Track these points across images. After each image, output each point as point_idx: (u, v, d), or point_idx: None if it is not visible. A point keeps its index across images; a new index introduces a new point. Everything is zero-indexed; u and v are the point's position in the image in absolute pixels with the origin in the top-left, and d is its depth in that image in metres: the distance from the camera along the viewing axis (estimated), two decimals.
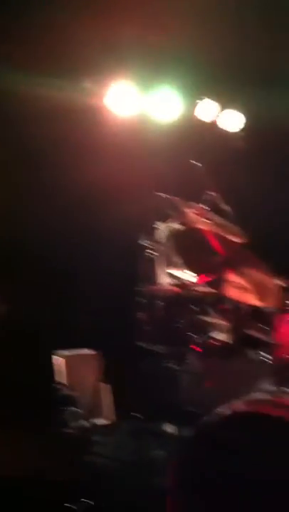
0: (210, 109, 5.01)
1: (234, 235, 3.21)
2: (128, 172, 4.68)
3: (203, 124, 4.96)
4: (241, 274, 3.09)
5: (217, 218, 3.25)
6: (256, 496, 2.19)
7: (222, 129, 5.02)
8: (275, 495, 2.17)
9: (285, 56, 4.92)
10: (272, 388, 2.71)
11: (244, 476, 2.21)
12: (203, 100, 4.99)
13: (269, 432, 2.28)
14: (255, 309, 3.17)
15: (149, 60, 4.79)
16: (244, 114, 5.05)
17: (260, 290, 3.03)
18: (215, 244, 3.11)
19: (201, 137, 4.90)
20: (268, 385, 2.75)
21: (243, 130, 5.06)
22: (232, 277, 3.10)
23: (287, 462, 2.20)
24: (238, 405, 2.42)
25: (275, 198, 5.11)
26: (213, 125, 4.97)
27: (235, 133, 5.05)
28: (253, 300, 3.08)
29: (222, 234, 3.17)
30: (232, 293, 3.12)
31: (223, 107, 5.04)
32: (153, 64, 4.85)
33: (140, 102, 4.80)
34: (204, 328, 3.31)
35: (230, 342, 3.22)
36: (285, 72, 5.11)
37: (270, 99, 5.11)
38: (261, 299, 3.03)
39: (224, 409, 2.40)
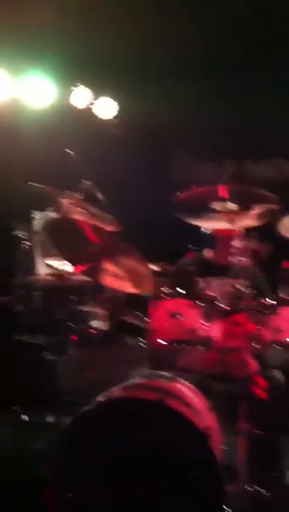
0: (84, 96, 4.99)
1: (108, 223, 3.23)
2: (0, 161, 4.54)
3: (77, 111, 4.93)
4: (116, 263, 3.12)
5: (91, 207, 3.25)
6: (135, 480, 2.23)
7: (96, 117, 5.02)
8: (153, 477, 2.23)
9: (157, 45, 5.02)
10: (149, 372, 2.79)
11: (122, 461, 2.24)
12: (78, 87, 4.96)
13: (146, 416, 2.34)
14: (130, 296, 3.23)
15: (22, 46, 4.65)
16: (118, 101, 5.09)
17: (134, 277, 3.09)
18: (89, 233, 3.11)
19: (75, 125, 4.86)
20: (145, 370, 2.82)
21: (117, 117, 5.09)
22: (107, 266, 3.12)
23: (165, 445, 2.27)
24: (114, 392, 2.46)
25: (147, 186, 5.22)
26: (87, 112, 4.95)
27: (110, 120, 5.07)
28: (128, 287, 3.13)
29: (96, 223, 3.18)
30: (108, 281, 3.15)
31: (98, 94, 5.05)
32: (26, 49, 4.71)
33: (12, 88, 4.66)
34: (82, 318, 3.32)
35: (108, 330, 3.26)
36: (157, 61, 5.21)
37: (143, 87, 5.20)
38: (136, 286, 3.09)
39: (101, 397, 2.42)
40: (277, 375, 3.00)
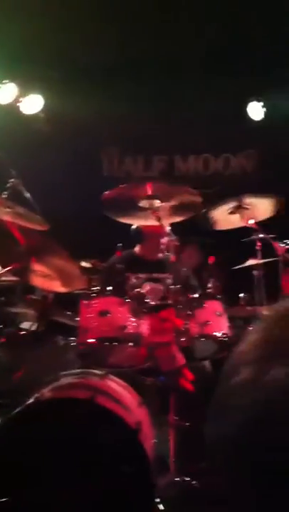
0: (10, 92, 4.90)
1: (35, 222, 3.21)
2: None
3: (3, 107, 4.84)
4: (44, 262, 3.11)
5: (17, 207, 3.22)
6: (67, 479, 2.24)
7: (23, 113, 4.95)
8: (84, 475, 2.25)
9: (85, 42, 5.00)
10: (80, 371, 2.80)
11: (53, 461, 2.25)
12: (4, 83, 4.87)
13: (76, 415, 2.35)
14: (60, 296, 3.23)
15: None
16: (44, 97, 5.04)
17: (63, 276, 3.09)
18: (16, 233, 3.08)
19: (1, 121, 4.78)
20: (75, 369, 2.83)
21: (43, 113, 5.04)
22: (36, 266, 3.10)
23: (96, 442, 2.29)
24: (45, 392, 2.45)
25: (74, 182, 5.20)
26: (13, 108, 4.87)
27: (36, 116, 5.01)
28: (57, 287, 3.13)
29: (23, 222, 3.15)
30: (37, 281, 3.13)
31: (24, 90, 4.97)
32: None
33: None
34: (11, 319, 3.28)
35: (38, 330, 3.25)
36: (85, 57, 5.19)
37: (71, 83, 5.17)
38: (65, 285, 3.09)
39: (30, 399, 2.41)
40: (205, 366, 3.10)
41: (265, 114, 5.60)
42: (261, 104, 5.62)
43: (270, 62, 5.33)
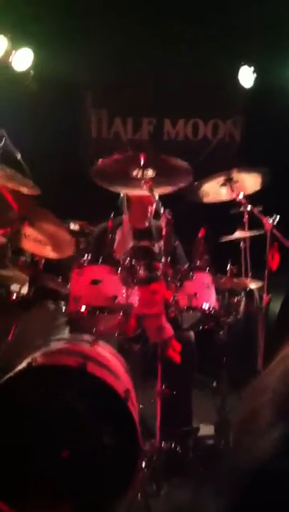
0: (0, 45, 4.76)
1: (27, 186, 3.20)
2: None
3: None
4: (36, 227, 3.13)
5: (8, 170, 3.20)
6: (57, 444, 2.33)
7: (13, 69, 4.82)
8: (74, 441, 2.35)
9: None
10: (70, 337, 2.87)
11: (45, 427, 2.33)
12: None
13: (67, 382, 2.42)
14: (51, 261, 3.26)
15: None
16: (35, 54, 4.90)
17: (55, 242, 3.12)
18: (8, 197, 3.08)
19: None
20: (66, 335, 2.90)
21: (32, 70, 4.92)
22: (27, 231, 3.12)
23: (86, 408, 2.37)
24: (36, 358, 2.51)
25: (62, 143, 5.13)
26: (2, 64, 4.74)
27: (26, 73, 4.89)
28: (48, 252, 3.15)
29: (15, 186, 3.14)
30: (28, 246, 3.15)
31: (14, 45, 4.83)
32: None
33: None
34: (3, 282, 3.31)
35: (29, 295, 3.29)
36: (76, 16, 5.05)
37: (60, 39, 5.03)
38: (56, 251, 3.12)
39: (22, 364, 2.48)
40: (190, 335, 3.21)
41: (256, 79, 5.55)
42: (252, 69, 5.55)
43: (263, 28, 5.25)
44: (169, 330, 2.71)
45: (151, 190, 3.08)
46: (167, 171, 3.07)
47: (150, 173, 3.07)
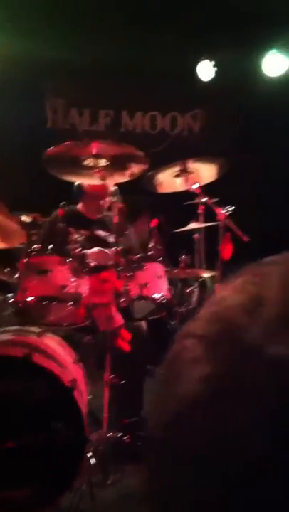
0: None
1: None
2: None
3: None
4: None
5: None
6: (4, 438, 2.28)
7: None
8: (19, 431, 2.29)
9: None
10: (17, 328, 2.80)
11: None
12: None
13: (12, 372, 2.37)
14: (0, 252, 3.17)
15: None
16: None
17: (3, 232, 3.03)
18: None
19: None
20: (13, 325, 2.83)
21: None
22: None
23: (31, 399, 2.32)
24: None
25: (16, 133, 5.03)
26: None
27: None
28: None
29: None
30: None
31: None
32: None
33: None
34: None
35: None
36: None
37: (18, 26, 4.92)
38: (4, 241, 3.03)
39: None
40: (142, 325, 3.18)
41: (216, 73, 5.56)
42: (213, 63, 5.56)
43: (222, 22, 5.25)
44: (118, 319, 2.68)
45: (104, 179, 3.04)
46: (120, 159, 3.03)
47: (102, 162, 3.02)
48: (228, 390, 0.40)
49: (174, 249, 3.35)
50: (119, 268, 2.80)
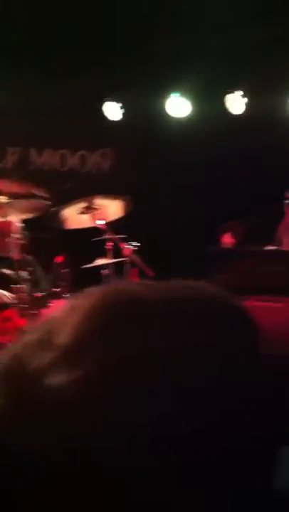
0: None
1: None
2: None
3: None
4: None
5: None
6: None
7: None
8: None
9: None
10: None
11: None
12: None
13: None
14: None
15: None
16: None
17: None
18: None
19: None
20: None
21: None
22: None
23: None
24: None
25: None
26: None
27: None
28: None
29: None
30: None
31: None
32: None
33: None
34: None
35: None
36: None
37: None
38: None
39: None
40: None
41: (123, 114, 5.68)
42: (120, 105, 5.69)
43: (128, 63, 5.40)
44: None
45: (5, 215, 3.00)
46: (21, 197, 3.01)
47: (4, 199, 2.99)
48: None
49: (82, 285, 3.32)
50: (23, 306, 2.74)
